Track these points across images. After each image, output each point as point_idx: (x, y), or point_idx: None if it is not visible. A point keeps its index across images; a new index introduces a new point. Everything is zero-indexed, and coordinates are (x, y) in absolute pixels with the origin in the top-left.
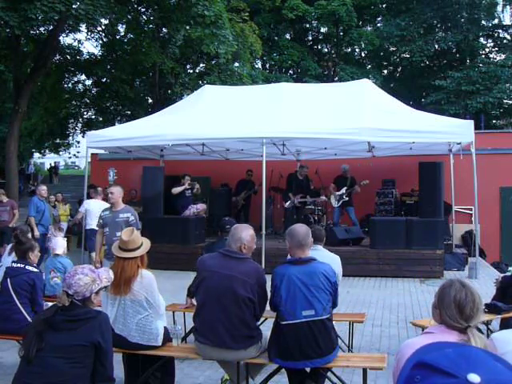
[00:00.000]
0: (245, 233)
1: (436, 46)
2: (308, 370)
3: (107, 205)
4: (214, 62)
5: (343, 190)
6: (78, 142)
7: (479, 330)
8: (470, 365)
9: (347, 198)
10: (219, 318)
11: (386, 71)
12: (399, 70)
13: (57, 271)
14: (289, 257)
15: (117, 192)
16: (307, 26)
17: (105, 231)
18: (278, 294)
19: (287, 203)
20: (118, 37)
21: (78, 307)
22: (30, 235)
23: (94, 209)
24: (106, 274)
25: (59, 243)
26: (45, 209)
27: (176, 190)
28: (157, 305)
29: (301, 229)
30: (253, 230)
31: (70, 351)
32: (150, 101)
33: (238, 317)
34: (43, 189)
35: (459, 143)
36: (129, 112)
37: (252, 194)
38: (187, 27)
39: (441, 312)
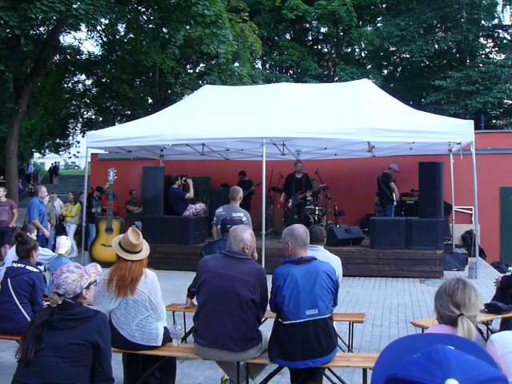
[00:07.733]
0: (246, 233)
1: (436, 46)
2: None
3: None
4: (214, 62)
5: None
6: (78, 142)
7: (479, 331)
8: (444, 369)
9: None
10: (220, 319)
11: (386, 71)
12: (399, 69)
13: None
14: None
15: None
16: (307, 25)
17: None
18: (280, 294)
19: (289, 203)
20: (118, 37)
21: (74, 306)
22: (34, 235)
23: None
24: (94, 269)
25: (62, 243)
26: (45, 210)
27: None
28: (159, 305)
29: (302, 229)
30: (251, 230)
31: (68, 350)
32: (150, 101)
33: (240, 318)
34: (44, 190)
35: (459, 143)
36: (129, 112)
37: (250, 194)
38: (187, 27)
39: (436, 305)
